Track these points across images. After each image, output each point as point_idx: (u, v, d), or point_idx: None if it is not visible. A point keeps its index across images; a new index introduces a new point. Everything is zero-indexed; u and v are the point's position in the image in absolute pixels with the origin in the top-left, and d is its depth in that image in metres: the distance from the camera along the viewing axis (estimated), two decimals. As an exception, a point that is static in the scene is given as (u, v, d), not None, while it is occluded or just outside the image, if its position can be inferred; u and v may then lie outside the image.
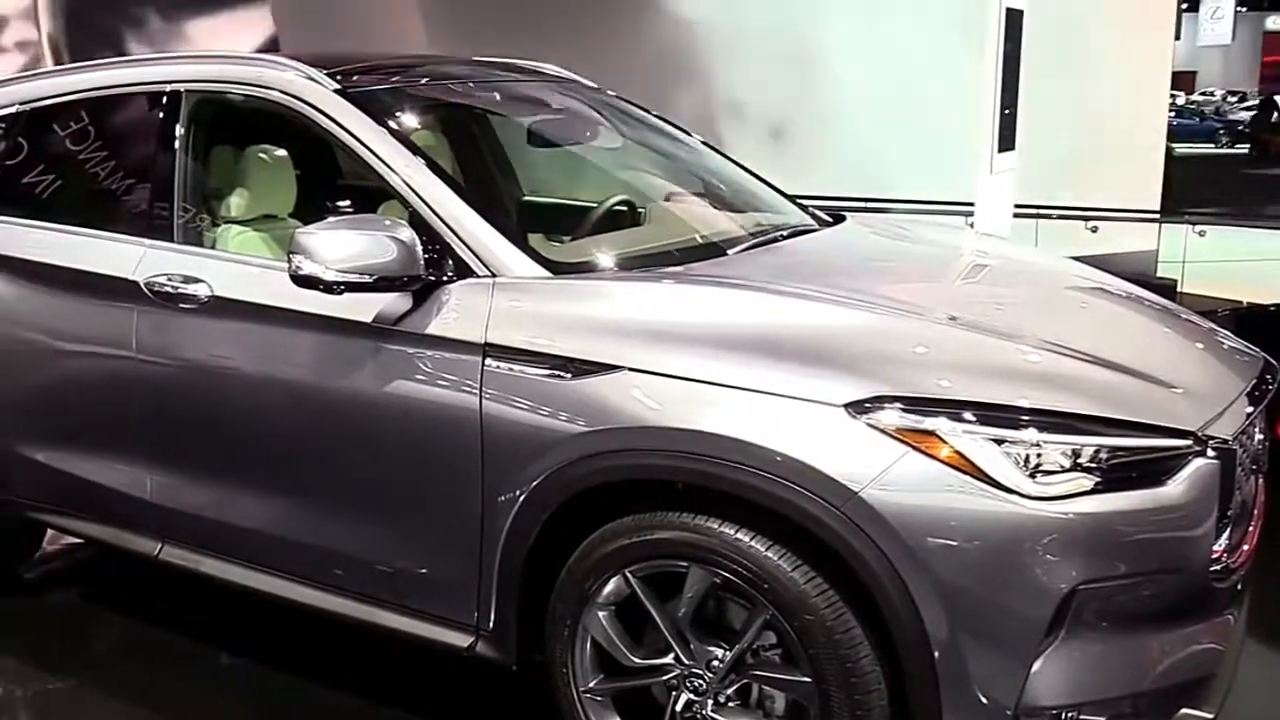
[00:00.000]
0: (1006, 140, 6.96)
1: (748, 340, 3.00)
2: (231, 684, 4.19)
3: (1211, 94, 41.65)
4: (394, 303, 3.35)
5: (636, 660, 3.12)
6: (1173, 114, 20.21)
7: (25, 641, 4.51)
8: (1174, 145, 17.92)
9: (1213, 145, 34.55)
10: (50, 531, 4.89)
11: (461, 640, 3.42)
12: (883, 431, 2.73)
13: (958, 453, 2.70)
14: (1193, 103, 37.59)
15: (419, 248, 3.28)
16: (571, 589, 3.15)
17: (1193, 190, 18.41)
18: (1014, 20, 6.91)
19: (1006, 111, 7.20)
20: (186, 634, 4.45)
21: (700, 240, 3.86)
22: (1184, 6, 37.97)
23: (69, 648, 4.46)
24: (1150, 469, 2.77)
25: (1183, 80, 38.72)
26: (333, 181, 4.54)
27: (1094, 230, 11.01)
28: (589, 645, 3.18)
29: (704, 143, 4.81)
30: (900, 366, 2.88)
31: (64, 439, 4.27)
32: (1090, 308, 3.74)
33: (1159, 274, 10.73)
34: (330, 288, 3.26)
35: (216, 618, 4.54)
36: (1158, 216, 11.69)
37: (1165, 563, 2.77)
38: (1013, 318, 3.30)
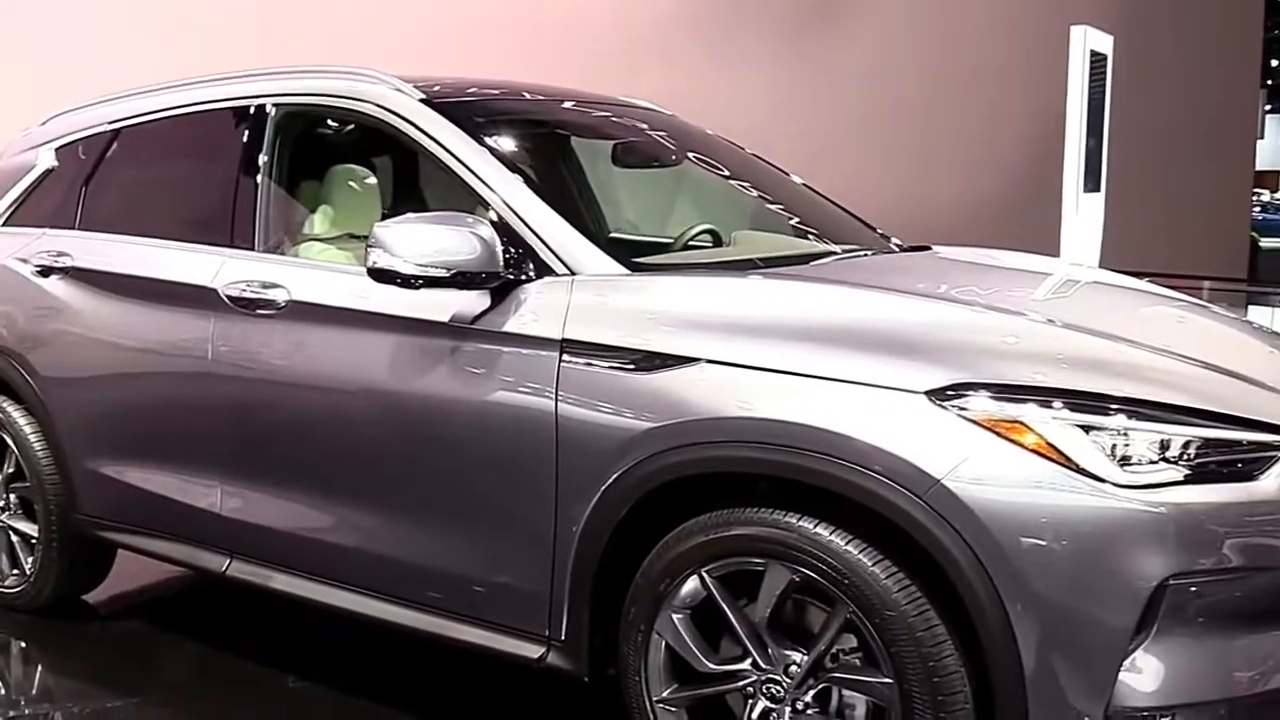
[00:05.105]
0: (1092, 182, 6.86)
1: (826, 330, 2.95)
2: (300, 707, 4.10)
3: (1296, 192, 41.51)
4: (471, 302, 3.32)
5: (712, 666, 3.01)
6: (1258, 209, 20.02)
7: (90, 664, 4.48)
8: (1258, 236, 17.77)
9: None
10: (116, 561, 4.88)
11: (532, 652, 3.33)
12: (966, 418, 2.66)
13: (1045, 440, 2.61)
14: (1277, 199, 37.42)
15: (499, 246, 3.26)
16: (646, 591, 3.07)
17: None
18: (1098, 62, 6.85)
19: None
20: (254, 658, 4.39)
21: (782, 255, 3.81)
22: (1267, 109, 37.78)
23: (133, 669, 4.41)
24: (1242, 463, 2.68)
25: (1267, 179, 38.45)
26: (418, 202, 4.54)
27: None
28: (663, 651, 3.08)
29: (792, 176, 4.78)
30: (986, 356, 2.80)
31: (133, 453, 4.28)
32: (1186, 321, 3.65)
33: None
34: (408, 282, 3.24)
35: (284, 643, 4.50)
36: (1245, 285, 11.59)
37: (1258, 559, 2.65)
38: (1108, 322, 3.21)
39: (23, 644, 4.67)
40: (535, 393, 3.19)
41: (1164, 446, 2.63)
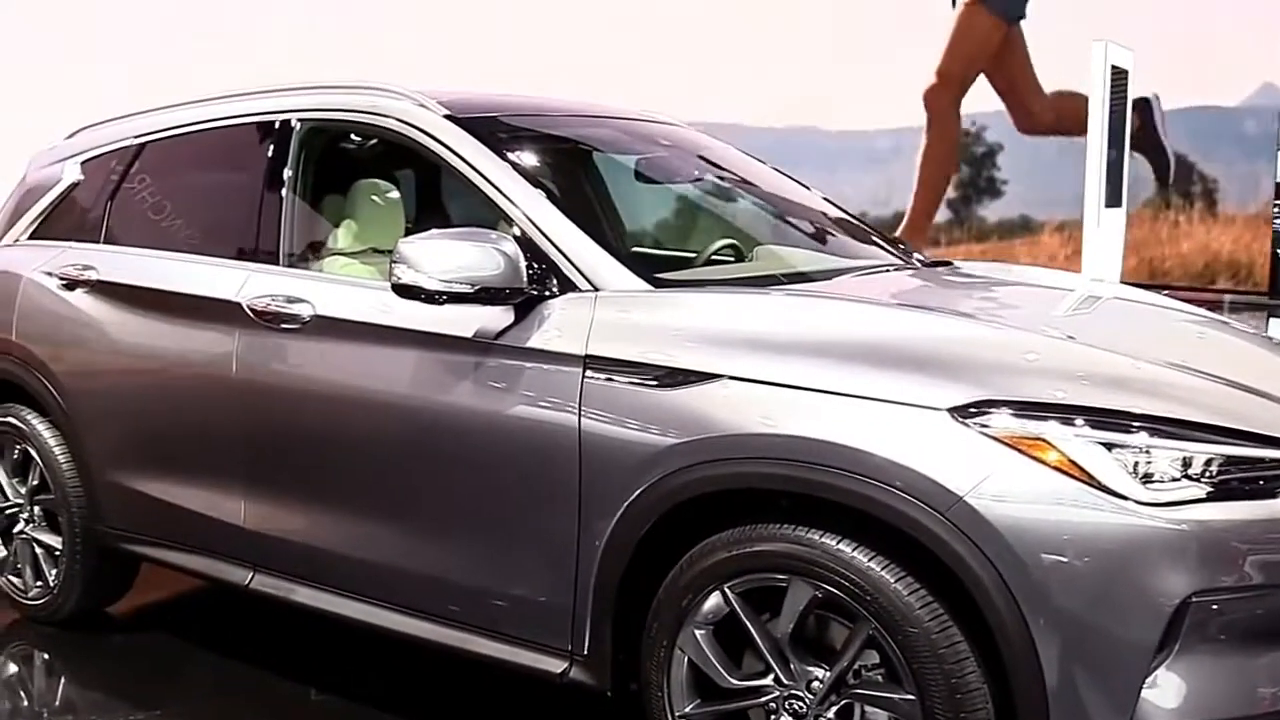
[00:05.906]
0: (1113, 196, 6.85)
1: (848, 347, 2.95)
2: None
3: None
4: (495, 317, 3.34)
5: (734, 681, 3.01)
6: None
7: (112, 676, 4.50)
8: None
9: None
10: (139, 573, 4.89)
11: (555, 666, 3.33)
12: (988, 436, 2.66)
13: (1067, 457, 2.62)
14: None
15: (522, 261, 3.27)
16: (669, 607, 3.07)
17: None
18: (1119, 77, 6.86)
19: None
20: (276, 671, 4.40)
21: (804, 270, 3.81)
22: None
23: (155, 682, 4.41)
24: (1264, 481, 2.67)
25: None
26: (441, 217, 4.55)
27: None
28: (686, 667, 3.08)
29: (817, 192, 4.77)
30: (1008, 373, 2.80)
31: (157, 465, 4.29)
32: (1207, 338, 3.64)
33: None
34: (431, 297, 3.25)
35: (306, 656, 4.50)
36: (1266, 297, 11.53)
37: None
38: (1129, 338, 3.22)
39: (45, 656, 4.69)
40: (558, 408, 3.20)
41: (1186, 464, 2.63)
